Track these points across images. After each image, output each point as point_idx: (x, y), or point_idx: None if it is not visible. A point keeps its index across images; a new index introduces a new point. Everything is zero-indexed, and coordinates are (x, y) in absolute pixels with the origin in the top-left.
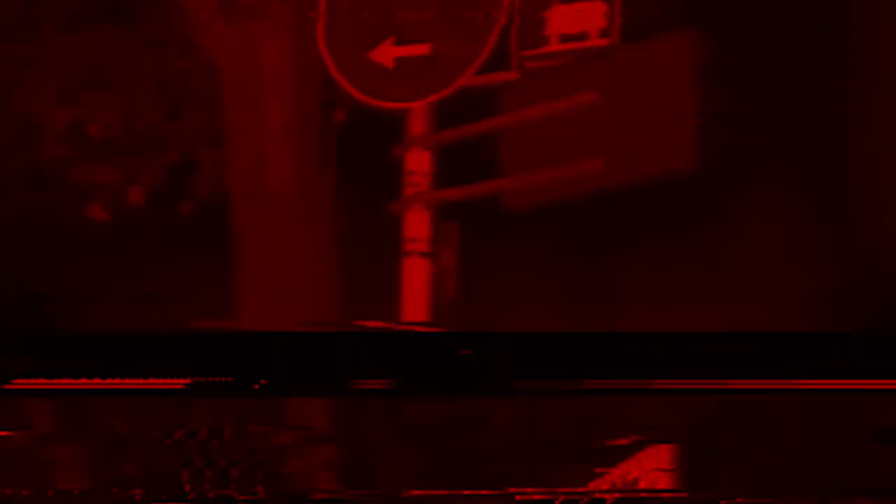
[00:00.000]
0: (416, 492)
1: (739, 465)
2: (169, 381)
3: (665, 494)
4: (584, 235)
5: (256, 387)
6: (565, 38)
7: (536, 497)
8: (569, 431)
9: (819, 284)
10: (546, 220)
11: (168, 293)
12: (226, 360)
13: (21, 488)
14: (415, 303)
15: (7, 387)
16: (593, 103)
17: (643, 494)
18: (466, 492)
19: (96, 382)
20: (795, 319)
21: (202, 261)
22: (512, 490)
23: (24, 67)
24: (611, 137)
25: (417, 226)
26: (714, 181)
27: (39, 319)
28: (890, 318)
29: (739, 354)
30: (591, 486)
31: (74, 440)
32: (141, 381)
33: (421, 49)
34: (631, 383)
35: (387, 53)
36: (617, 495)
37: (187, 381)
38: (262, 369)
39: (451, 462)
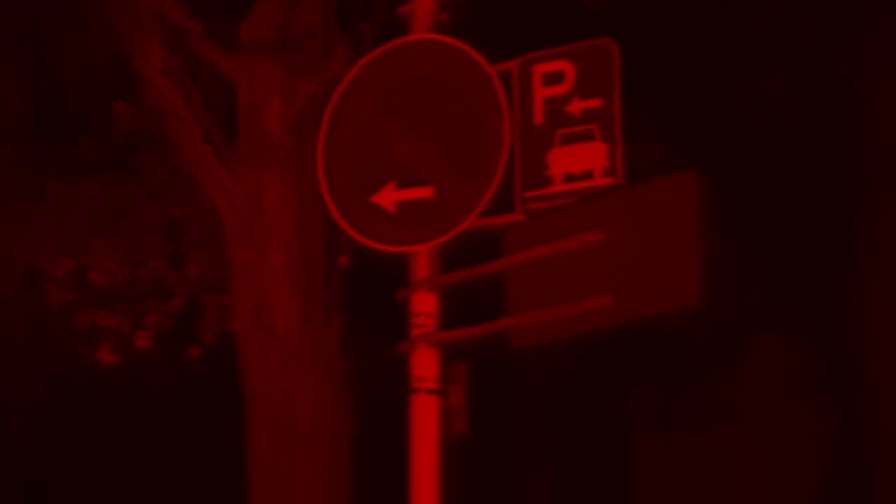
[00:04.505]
0: None
1: None
2: None
3: None
4: None
5: None
6: (569, 178)
7: None
8: None
9: None
10: None
11: None
12: None
13: None
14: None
15: None
16: (600, 242)
17: None
18: None
19: None
20: None
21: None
22: None
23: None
24: (618, 275)
25: (425, 365)
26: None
27: None
28: None
29: None
30: None
31: None
32: None
33: (424, 192)
34: None
35: (389, 197)
36: None
37: None
38: None
39: None
